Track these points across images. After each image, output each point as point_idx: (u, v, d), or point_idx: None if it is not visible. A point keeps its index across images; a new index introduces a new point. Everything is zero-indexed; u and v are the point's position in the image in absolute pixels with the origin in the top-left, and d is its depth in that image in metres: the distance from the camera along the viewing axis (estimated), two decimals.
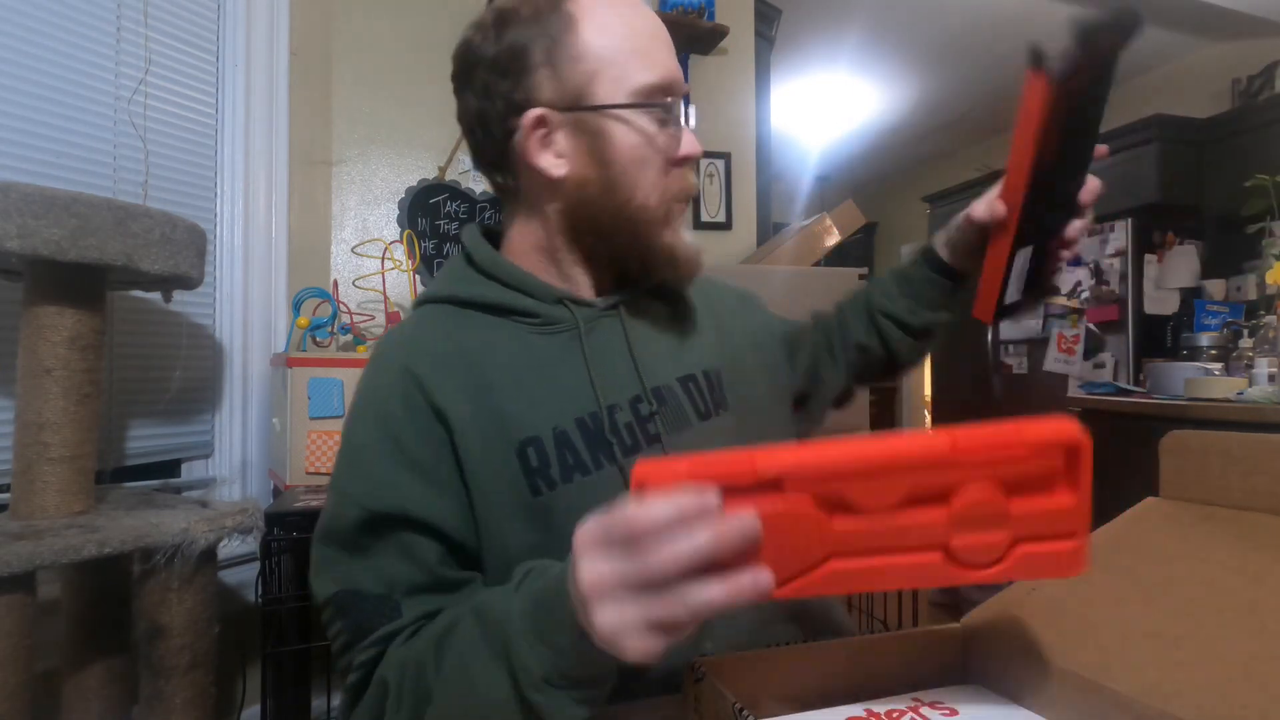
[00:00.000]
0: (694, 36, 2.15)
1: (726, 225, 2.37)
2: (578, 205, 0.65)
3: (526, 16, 0.63)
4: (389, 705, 0.51)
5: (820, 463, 0.36)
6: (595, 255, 0.68)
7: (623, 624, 0.38)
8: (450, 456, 0.59)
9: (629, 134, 0.63)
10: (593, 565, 0.39)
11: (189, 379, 1.64)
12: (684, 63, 2.20)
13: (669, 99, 0.63)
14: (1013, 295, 0.67)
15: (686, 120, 0.69)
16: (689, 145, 0.65)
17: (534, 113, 0.63)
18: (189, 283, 1.27)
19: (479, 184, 2.10)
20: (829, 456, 0.36)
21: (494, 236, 0.72)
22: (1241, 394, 2.12)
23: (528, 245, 0.68)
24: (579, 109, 0.62)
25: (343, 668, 0.57)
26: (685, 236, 0.66)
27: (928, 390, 5.13)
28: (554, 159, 0.64)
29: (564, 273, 0.68)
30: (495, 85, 0.64)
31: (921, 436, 0.36)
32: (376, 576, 0.56)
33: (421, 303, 0.69)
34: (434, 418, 0.59)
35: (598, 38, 0.62)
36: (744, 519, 0.35)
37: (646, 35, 0.64)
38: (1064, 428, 0.36)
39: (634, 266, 0.67)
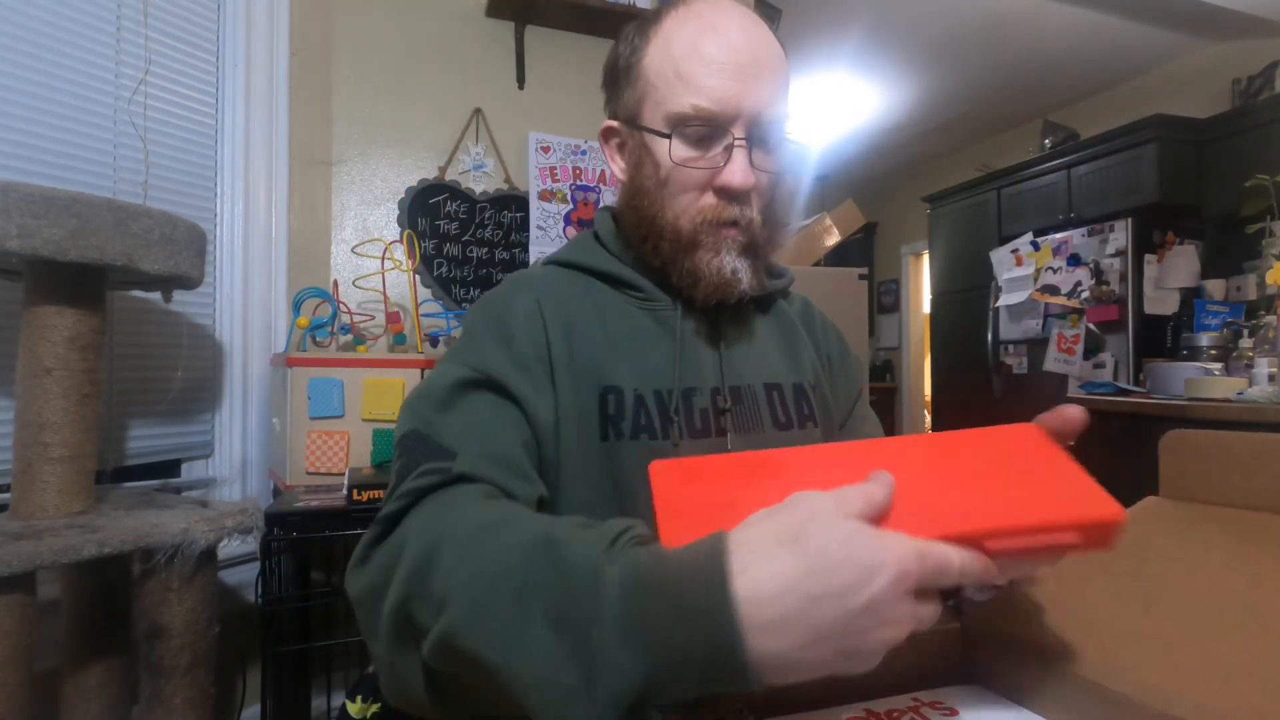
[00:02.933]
0: None
1: None
2: (628, 211, 0.71)
3: (628, 34, 0.71)
4: (393, 579, 0.45)
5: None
6: (648, 258, 0.71)
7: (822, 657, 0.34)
8: (548, 375, 0.64)
9: (661, 157, 0.66)
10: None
11: (189, 379, 1.64)
12: None
13: (705, 127, 0.64)
14: None
15: (764, 147, 0.67)
16: (728, 175, 0.64)
17: (605, 123, 0.74)
18: (189, 283, 1.27)
19: (479, 184, 2.10)
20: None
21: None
22: (1241, 394, 2.12)
23: (628, 233, 0.74)
24: (633, 126, 0.69)
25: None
26: (720, 261, 0.66)
27: (928, 390, 5.12)
28: (621, 165, 0.73)
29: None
30: (606, 92, 0.75)
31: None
32: (450, 429, 0.57)
33: (547, 263, 0.76)
34: (544, 331, 0.66)
35: (655, 60, 0.67)
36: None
37: (704, 60, 0.64)
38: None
39: (671, 278, 0.69)
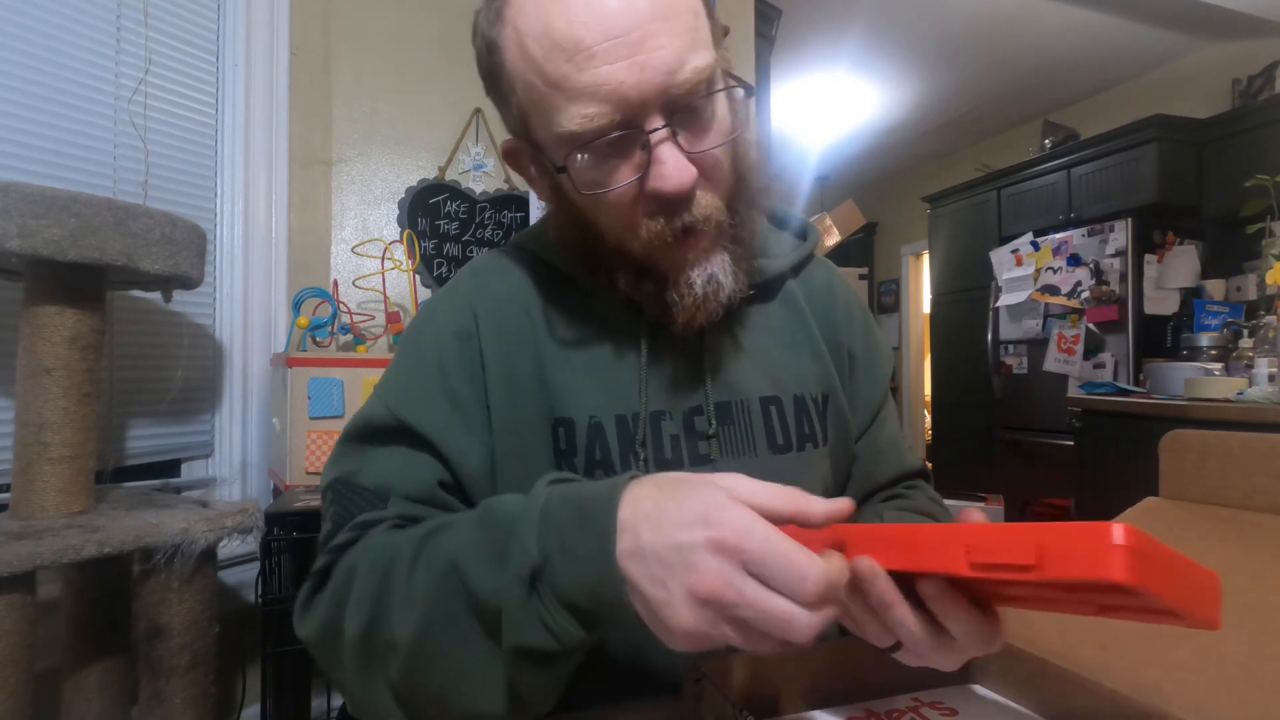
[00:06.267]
0: None
1: None
2: (565, 245, 0.59)
3: (477, 27, 0.54)
4: (351, 596, 0.47)
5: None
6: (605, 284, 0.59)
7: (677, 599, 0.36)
8: (483, 412, 0.58)
9: (570, 189, 0.52)
10: (708, 555, 0.35)
11: (189, 379, 1.64)
12: None
13: (609, 132, 0.47)
14: None
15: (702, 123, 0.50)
16: (657, 182, 0.48)
17: (504, 142, 0.59)
18: (189, 283, 1.27)
19: (479, 184, 2.10)
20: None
21: None
22: (1241, 394, 2.12)
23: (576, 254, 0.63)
24: (531, 144, 0.55)
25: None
26: (689, 277, 0.53)
27: (928, 390, 5.13)
28: (539, 187, 0.59)
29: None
30: (492, 100, 0.58)
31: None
32: (377, 474, 0.55)
33: (515, 244, 0.66)
34: (480, 361, 0.58)
35: (517, 65, 0.50)
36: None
37: (568, 51, 0.46)
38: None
39: (641, 306, 0.58)
